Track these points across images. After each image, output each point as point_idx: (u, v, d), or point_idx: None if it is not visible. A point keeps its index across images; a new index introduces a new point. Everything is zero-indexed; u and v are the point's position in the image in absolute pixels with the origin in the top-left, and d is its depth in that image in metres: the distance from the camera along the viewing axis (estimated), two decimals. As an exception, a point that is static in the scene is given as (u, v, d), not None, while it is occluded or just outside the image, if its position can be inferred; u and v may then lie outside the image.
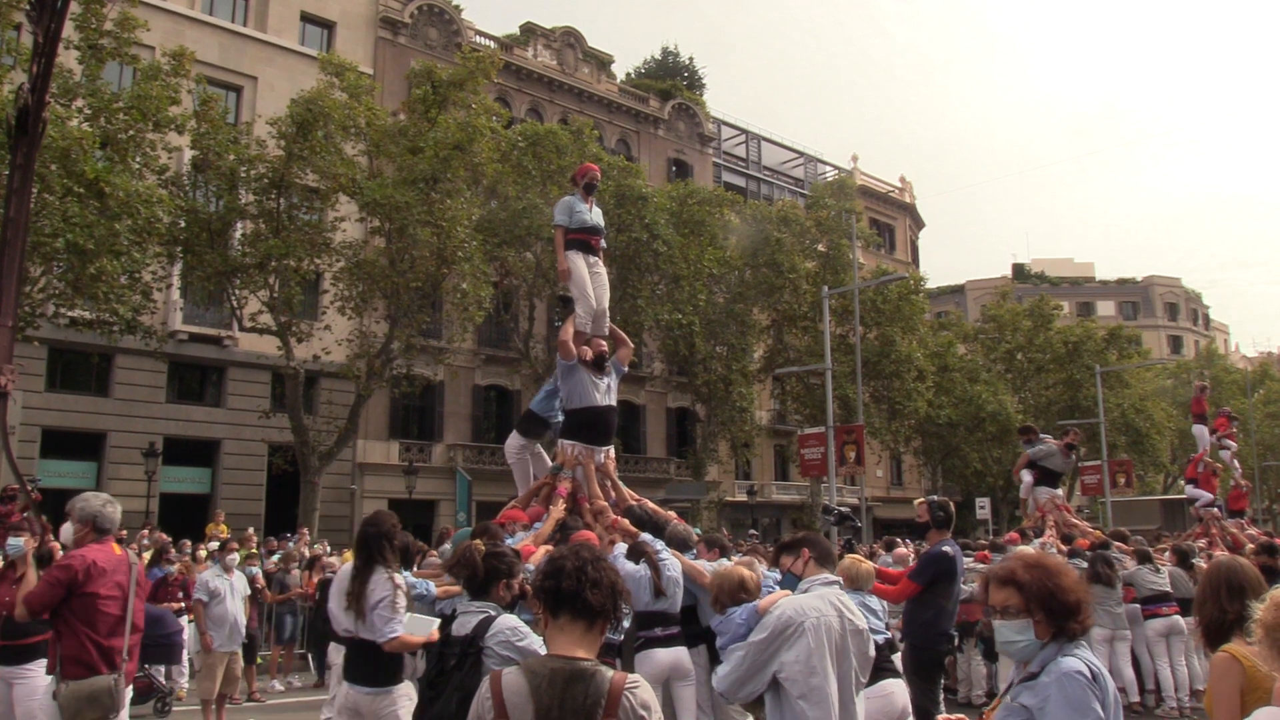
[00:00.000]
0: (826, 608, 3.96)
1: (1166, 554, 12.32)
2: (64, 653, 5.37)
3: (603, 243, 8.82)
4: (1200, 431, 17.83)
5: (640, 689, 2.69)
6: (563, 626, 2.77)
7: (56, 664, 5.42)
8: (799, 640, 3.82)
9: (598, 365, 8.19)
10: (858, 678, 3.98)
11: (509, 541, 6.47)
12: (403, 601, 5.45)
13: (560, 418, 8.50)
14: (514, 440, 8.94)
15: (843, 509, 8.93)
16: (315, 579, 14.23)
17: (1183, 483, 18.01)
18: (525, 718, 2.62)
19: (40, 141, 7.58)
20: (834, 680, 3.83)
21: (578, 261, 8.43)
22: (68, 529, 5.70)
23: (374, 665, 5.43)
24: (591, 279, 8.50)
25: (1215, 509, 16.42)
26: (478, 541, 4.90)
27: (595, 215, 8.64)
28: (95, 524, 5.50)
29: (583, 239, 8.52)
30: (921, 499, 7.93)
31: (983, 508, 35.34)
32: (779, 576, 5.11)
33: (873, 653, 4.11)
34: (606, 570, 2.85)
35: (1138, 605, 11.04)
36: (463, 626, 4.53)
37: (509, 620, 4.36)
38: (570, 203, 8.53)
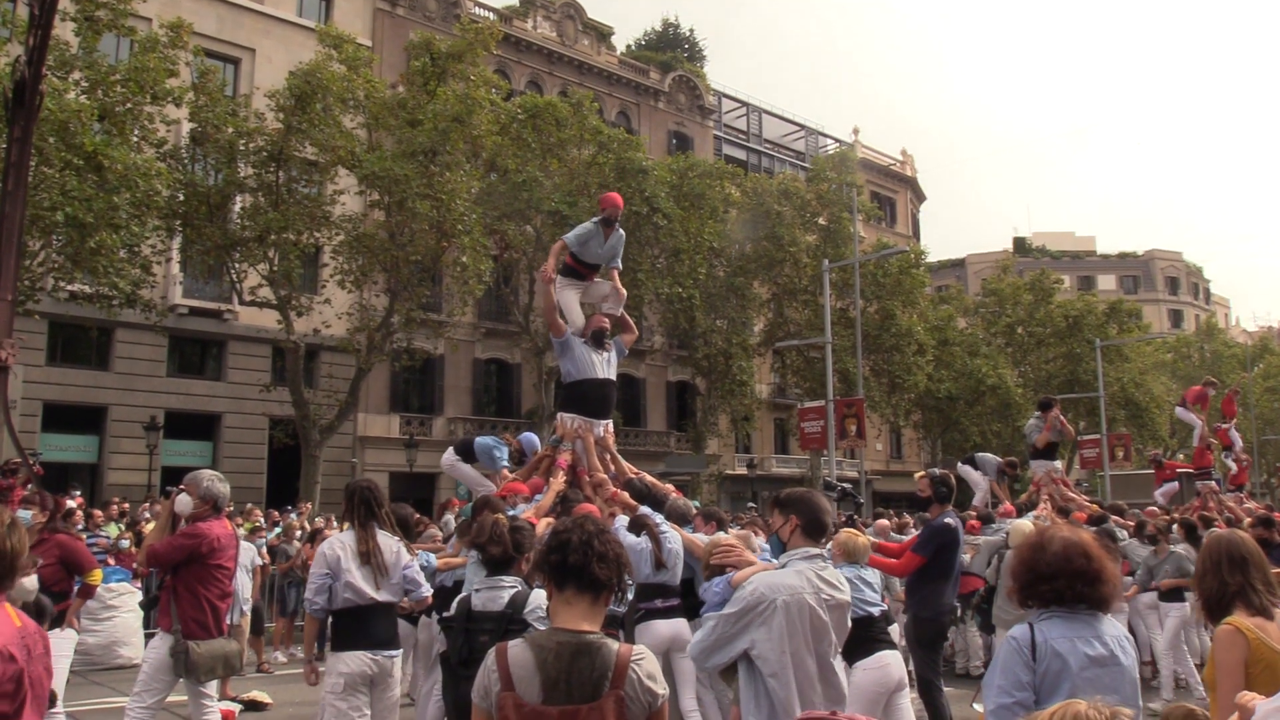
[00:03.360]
0: (802, 584, 3.84)
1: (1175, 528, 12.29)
2: (185, 614, 5.90)
3: (618, 264, 8.70)
4: (1186, 415, 17.79)
5: (646, 661, 2.70)
6: (569, 599, 2.78)
7: (174, 623, 5.92)
8: (771, 618, 3.75)
9: (597, 340, 8.23)
10: (837, 648, 3.92)
11: (511, 513, 6.49)
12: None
13: (505, 463, 8.78)
14: (449, 455, 9.67)
15: (845, 485, 8.96)
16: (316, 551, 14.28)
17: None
18: (532, 690, 2.63)
19: (37, 114, 7.54)
20: (810, 658, 3.78)
21: (566, 292, 8.39)
22: (185, 500, 6.05)
23: (394, 627, 5.68)
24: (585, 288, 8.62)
25: (1214, 483, 16.47)
26: (500, 516, 4.88)
27: (610, 243, 8.43)
28: (216, 503, 6.05)
29: (576, 269, 8.43)
30: (922, 473, 7.95)
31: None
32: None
33: (849, 623, 4.03)
34: (612, 544, 2.86)
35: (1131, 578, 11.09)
36: (491, 601, 4.46)
37: (544, 594, 4.35)
38: (588, 234, 8.34)
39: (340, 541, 5.75)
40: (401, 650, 5.81)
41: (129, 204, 18.74)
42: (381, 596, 5.58)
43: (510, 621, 4.30)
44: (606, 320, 8.37)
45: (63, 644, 6.40)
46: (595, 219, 8.41)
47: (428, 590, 5.77)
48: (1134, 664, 3.33)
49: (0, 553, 2.93)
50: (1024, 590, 3.34)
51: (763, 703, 3.79)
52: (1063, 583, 3.27)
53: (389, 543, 5.69)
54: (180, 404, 27.96)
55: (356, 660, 5.54)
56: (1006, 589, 3.49)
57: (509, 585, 4.47)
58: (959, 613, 9.89)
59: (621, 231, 8.55)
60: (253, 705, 9.68)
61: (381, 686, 5.63)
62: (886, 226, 51.60)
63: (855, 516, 8.39)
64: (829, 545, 7.10)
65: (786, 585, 3.84)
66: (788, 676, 3.73)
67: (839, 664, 3.94)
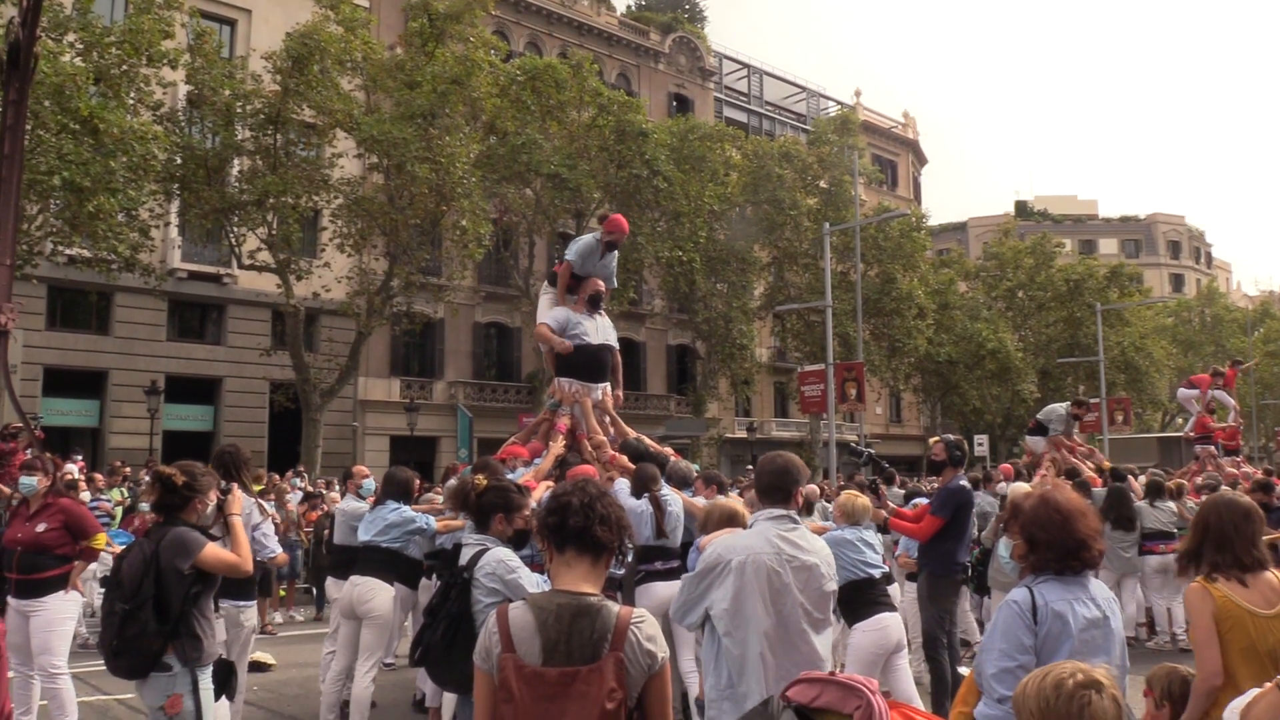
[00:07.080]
0: (761, 544, 3.83)
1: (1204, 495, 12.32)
2: None
3: (614, 283, 8.82)
4: (1187, 400, 17.76)
5: (646, 623, 2.71)
6: (569, 561, 2.79)
7: None
8: (725, 579, 3.78)
9: (593, 304, 8.28)
10: (810, 613, 3.85)
11: (511, 477, 6.53)
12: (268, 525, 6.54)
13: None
14: None
15: (870, 450, 9.03)
16: (315, 514, 14.46)
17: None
18: (532, 651, 2.64)
19: (32, 77, 7.48)
20: (768, 619, 3.76)
21: (551, 307, 8.40)
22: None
23: (240, 581, 5.99)
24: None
25: (1212, 447, 16.51)
26: (479, 476, 4.94)
27: (604, 262, 8.48)
28: None
29: (570, 283, 8.47)
30: (937, 439, 8.08)
31: (981, 445, 35.57)
32: None
33: (829, 587, 3.95)
34: (613, 506, 2.88)
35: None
36: (463, 558, 4.60)
37: (500, 554, 4.41)
38: (589, 249, 8.36)
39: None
40: (255, 601, 6.72)
41: (126, 168, 18.65)
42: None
43: (459, 576, 4.42)
44: (603, 285, 8.39)
45: (68, 607, 6.48)
46: (598, 236, 8.42)
47: (274, 550, 6.47)
48: (1120, 625, 3.39)
49: None
50: (1036, 549, 3.37)
51: (721, 663, 3.82)
52: (1058, 546, 3.30)
53: (249, 505, 6.17)
54: (181, 368, 27.99)
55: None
56: (1014, 549, 3.52)
57: (474, 544, 4.56)
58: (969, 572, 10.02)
59: (616, 253, 8.65)
60: (256, 666, 9.76)
61: (231, 627, 6.40)
62: (888, 190, 51.37)
63: (878, 481, 8.52)
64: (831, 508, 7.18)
65: (743, 546, 3.86)
66: (740, 636, 3.75)
67: (815, 627, 3.88)
